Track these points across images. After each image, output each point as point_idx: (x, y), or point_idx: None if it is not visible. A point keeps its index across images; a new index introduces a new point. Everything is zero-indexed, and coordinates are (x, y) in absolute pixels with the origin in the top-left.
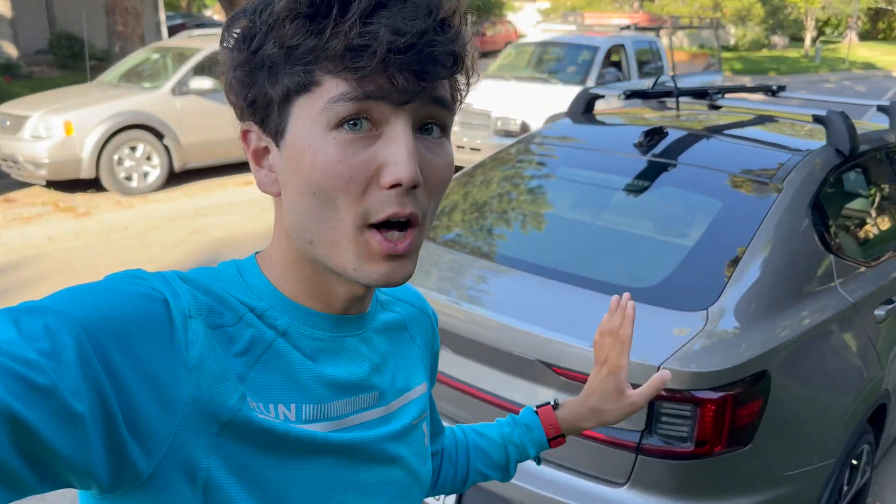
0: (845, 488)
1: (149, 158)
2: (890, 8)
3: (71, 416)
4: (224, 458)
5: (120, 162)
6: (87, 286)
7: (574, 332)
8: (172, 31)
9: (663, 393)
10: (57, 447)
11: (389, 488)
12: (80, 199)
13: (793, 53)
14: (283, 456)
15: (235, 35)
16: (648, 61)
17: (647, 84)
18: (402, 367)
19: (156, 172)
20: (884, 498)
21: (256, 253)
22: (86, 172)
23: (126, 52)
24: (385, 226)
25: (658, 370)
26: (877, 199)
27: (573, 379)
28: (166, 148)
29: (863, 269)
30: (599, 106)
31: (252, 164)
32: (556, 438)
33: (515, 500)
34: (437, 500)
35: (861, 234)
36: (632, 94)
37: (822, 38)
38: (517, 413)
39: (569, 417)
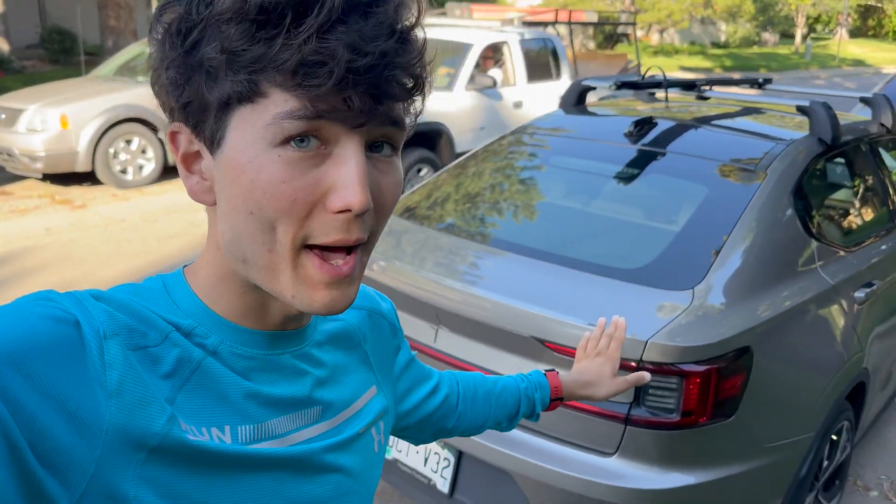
0: (825, 462)
1: (144, 152)
2: (879, 5)
3: None
4: (155, 486)
5: (115, 155)
6: None
7: (567, 309)
8: None
9: (646, 366)
10: None
11: (338, 499)
12: (76, 191)
13: (783, 50)
14: (220, 477)
15: (166, 26)
16: (542, 62)
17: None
18: (350, 377)
19: (151, 165)
20: (864, 477)
21: (185, 266)
22: (81, 165)
23: (119, 46)
24: (326, 247)
25: (646, 345)
26: (858, 187)
27: (565, 353)
28: (161, 141)
29: (843, 253)
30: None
31: (181, 170)
32: (555, 400)
33: (511, 469)
34: (435, 472)
35: (842, 220)
36: (623, 85)
37: (812, 35)
38: None
39: (568, 385)
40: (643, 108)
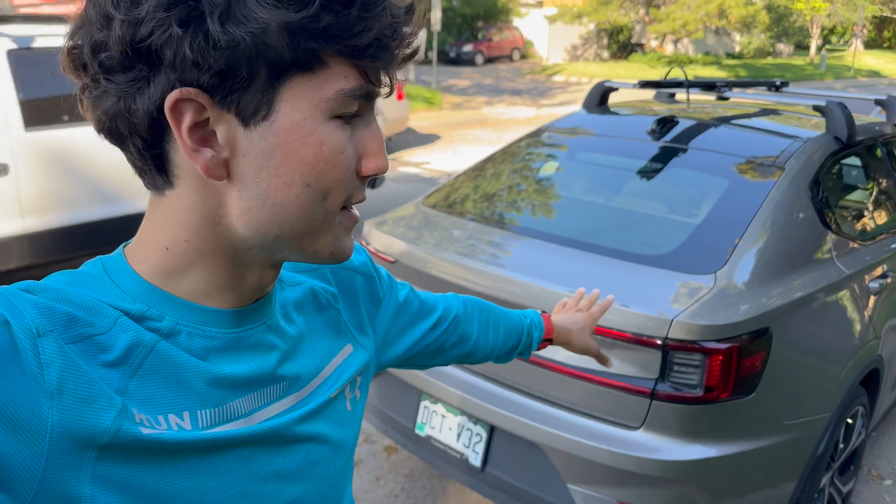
0: (841, 445)
1: None
2: (895, 17)
3: None
4: (110, 483)
5: None
6: None
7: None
8: None
9: (671, 343)
10: None
11: (311, 468)
12: None
13: (798, 61)
14: (181, 464)
15: None
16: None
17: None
18: (318, 343)
19: None
20: (878, 467)
21: (125, 245)
22: None
23: None
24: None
25: (671, 323)
26: (872, 185)
27: (593, 332)
28: None
29: (858, 246)
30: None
31: (187, 143)
32: (545, 341)
33: (542, 442)
34: (468, 447)
35: (857, 215)
36: (645, 84)
37: (827, 46)
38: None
39: (557, 329)
40: (662, 109)
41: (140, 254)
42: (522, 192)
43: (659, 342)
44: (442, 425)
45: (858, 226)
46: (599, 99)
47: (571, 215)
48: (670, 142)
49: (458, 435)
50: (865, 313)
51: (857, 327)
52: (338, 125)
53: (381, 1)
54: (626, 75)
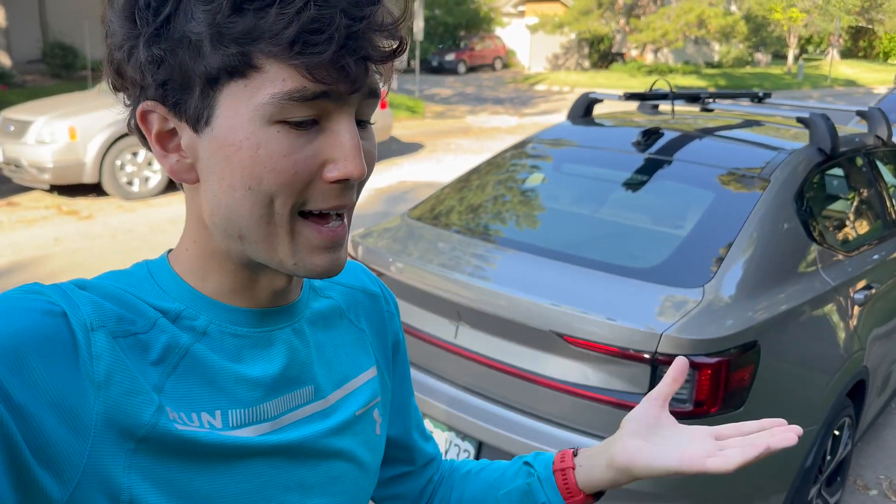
0: (829, 457)
1: (150, 164)
2: (870, 27)
3: None
4: (145, 475)
5: (122, 167)
6: None
7: (584, 304)
8: None
9: (660, 358)
10: None
11: (334, 484)
12: (83, 202)
13: (776, 70)
14: (211, 465)
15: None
16: None
17: None
18: (342, 356)
19: (156, 178)
20: (864, 477)
21: (170, 251)
22: (89, 177)
23: None
24: (318, 214)
25: (661, 337)
26: (856, 196)
27: (582, 347)
28: None
29: (842, 257)
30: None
31: (157, 150)
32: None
33: None
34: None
35: (841, 226)
36: (631, 96)
37: (804, 56)
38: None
39: (586, 484)
40: (645, 120)
41: (175, 255)
42: (508, 203)
43: (648, 356)
44: None
45: (843, 237)
46: (584, 110)
47: (557, 227)
48: (655, 154)
49: (447, 451)
50: (851, 324)
51: (844, 339)
52: (282, 129)
53: None
54: (607, 84)
